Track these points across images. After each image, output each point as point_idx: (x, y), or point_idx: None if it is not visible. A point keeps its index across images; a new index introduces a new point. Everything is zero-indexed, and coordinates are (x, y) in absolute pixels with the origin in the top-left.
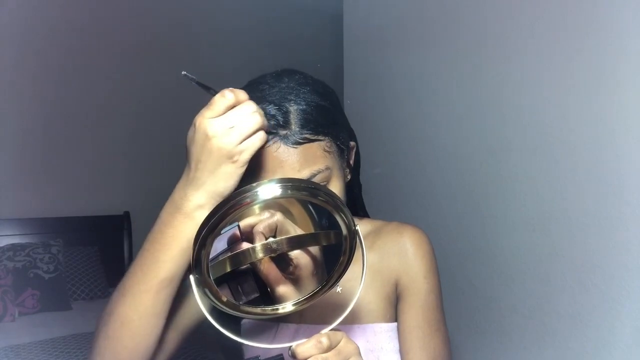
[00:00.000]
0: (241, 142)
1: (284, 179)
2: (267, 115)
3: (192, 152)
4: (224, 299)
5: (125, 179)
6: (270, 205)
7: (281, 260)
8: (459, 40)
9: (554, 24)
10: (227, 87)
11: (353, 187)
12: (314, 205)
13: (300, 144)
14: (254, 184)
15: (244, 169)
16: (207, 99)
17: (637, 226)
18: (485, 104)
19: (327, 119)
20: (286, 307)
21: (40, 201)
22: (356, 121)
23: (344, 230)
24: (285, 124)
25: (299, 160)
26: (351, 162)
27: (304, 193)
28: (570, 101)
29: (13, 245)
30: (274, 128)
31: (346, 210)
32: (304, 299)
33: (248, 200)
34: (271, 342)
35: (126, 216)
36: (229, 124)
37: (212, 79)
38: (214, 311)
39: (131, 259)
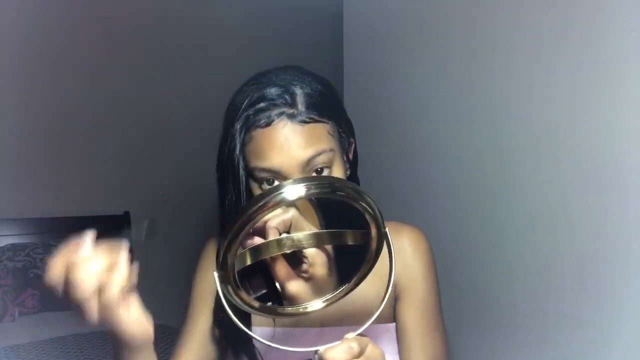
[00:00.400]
0: (85, 300)
1: (308, 178)
2: (274, 95)
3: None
4: (256, 305)
5: (125, 179)
6: None
7: (293, 258)
8: (459, 40)
9: (556, 24)
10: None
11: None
12: (329, 203)
13: (306, 122)
14: (281, 185)
15: (109, 317)
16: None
17: (637, 226)
18: (485, 103)
19: (331, 104)
20: (314, 305)
21: (40, 201)
22: (356, 121)
23: (373, 232)
24: (292, 103)
25: (305, 138)
26: (350, 156)
27: (340, 193)
28: (571, 101)
29: (13, 245)
30: (280, 106)
31: (377, 210)
32: (333, 297)
33: (276, 200)
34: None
35: (126, 216)
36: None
37: (212, 78)
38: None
39: (131, 259)
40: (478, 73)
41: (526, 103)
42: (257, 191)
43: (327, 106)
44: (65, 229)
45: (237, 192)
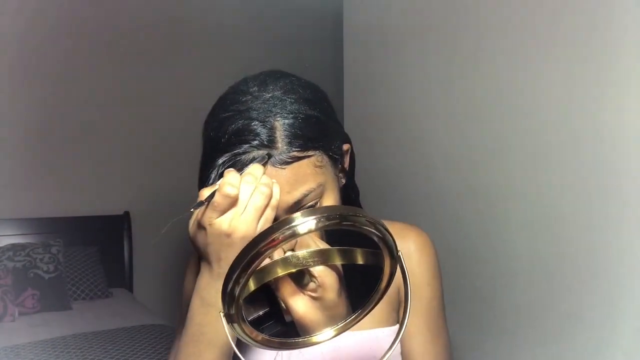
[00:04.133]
0: (259, 221)
1: (319, 209)
2: (252, 133)
3: (209, 251)
4: (265, 340)
5: (125, 179)
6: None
7: (300, 277)
8: (459, 40)
9: (556, 24)
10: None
11: (349, 191)
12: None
13: (288, 163)
14: (290, 219)
15: None
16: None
17: (637, 226)
18: (486, 104)
19: (317, 131)
20: (324, 334)
21: (40, 201)
22: (356, 121)
23: (387, 257)
24: (271, 143)
25: (288, 181)
26: (346, 166)
27: (351, 223)
28: (571, 102)
29: (13, 245)
30: (258, 147)
31: (389, 237)
32: (346, 324)
33: (286, 235)
34: None
35: (126, 216)
36: (240, 212)
37: (212, 78)
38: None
39: (131, 259)
40: (478, 73)
41: (527, 104)
42: None
43: (312, 134)
44: (65, 229)
45: None
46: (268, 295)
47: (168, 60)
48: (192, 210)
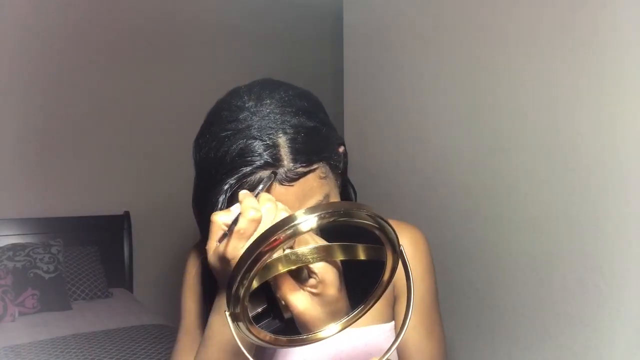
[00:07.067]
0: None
1: (320, 206)
2: (256, 153)
3: (219, 277)
4: (270, 338)
5: (125, 179)
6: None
7: (300, 274)
8: (459, 40)
9: (556, 24)
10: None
11: (348, 190)
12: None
13: (295, 180)
14: (292, 217)
15: None
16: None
17: (637, 226)
18: (486, 103)
19: (319, 142)
20: (329, 329)
21: (40, 201)
22: (356, 121)
23: (389, 252)
24: (277, 161)
25: (297, 197)
26: (341, 165)
27: (354, 220)
28: (570, 101)
29: (13, 245)
30: (265, 167)
31: (392, 231)
32: (349, 319)
33: (288, 234)
34: None
35: (126, 216)
36: (238, 239)
37: (212, 78)
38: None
39: (131, 258)
40: (478, 73)
41: (526, 103)
42: None
43: (315, 146)
44: (65, 229)
45: None
46: (265, 292)
47: (167, 60)
48: (217, 243)
